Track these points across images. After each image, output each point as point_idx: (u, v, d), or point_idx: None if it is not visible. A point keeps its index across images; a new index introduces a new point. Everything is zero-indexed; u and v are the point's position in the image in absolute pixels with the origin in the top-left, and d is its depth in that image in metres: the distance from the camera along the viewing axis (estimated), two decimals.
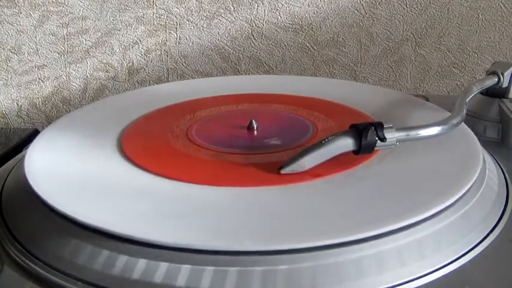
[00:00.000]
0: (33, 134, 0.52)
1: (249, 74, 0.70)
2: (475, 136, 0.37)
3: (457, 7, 0.66)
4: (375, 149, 0.33)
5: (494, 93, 0.45)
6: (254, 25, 0.68)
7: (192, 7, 0.68)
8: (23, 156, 0.36)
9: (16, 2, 0.68)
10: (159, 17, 0.69)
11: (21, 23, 0.69)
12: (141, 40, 0.69)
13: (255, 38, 0.69)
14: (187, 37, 0.69)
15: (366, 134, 0.32)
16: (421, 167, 0.34)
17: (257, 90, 0.50)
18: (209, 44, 0.69)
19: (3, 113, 0.73)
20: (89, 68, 0.71)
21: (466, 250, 0.28)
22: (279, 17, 0.68)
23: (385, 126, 0.33)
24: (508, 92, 0.44)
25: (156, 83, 0.71)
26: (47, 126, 0.43)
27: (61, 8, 0.68)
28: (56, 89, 0.72)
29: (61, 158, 0.36)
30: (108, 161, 0.35)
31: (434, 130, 0.34)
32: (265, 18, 0.68)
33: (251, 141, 0.39)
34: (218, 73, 0.71)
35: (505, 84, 0.44)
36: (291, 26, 0.68)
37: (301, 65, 0.70)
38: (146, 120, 0.43)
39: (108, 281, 0.26)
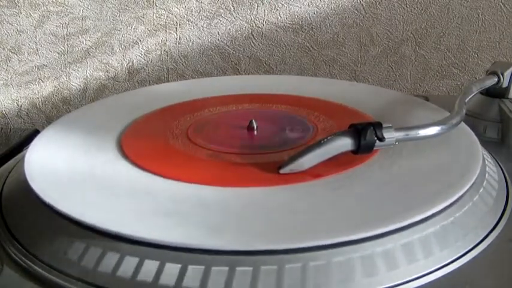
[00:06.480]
0: (33, 134, 0.52)
1: (249, 74, 0.70)
2: (475, 136, 0.37)
3: (457, 7, 0.66)
4: (374, 148, 0.33)
5: (494, 93, 0.45)
6: (254, 25, 0.68)
7: (192, 7, 0.68)
8: (23, 156, 0.36)
9: (16, 2, 0.68)
10: (159, 17, 0.69)
11: (21, 23, 0.69)
12: (141, 40, 0.69)
13: (255, 38, 0.69)
14: (187, 37, 0.69)
15: (364, 133, 0.32)
16: (420, 167, 0.34)
17: (257, 90, 0.50)
18: (209, 44, 0.69)
19: (3, 113, 0.73)
20: (89, 68, 0.71)
21: (466, 250, 0.28)
22: (279, 17, 0.68)
23: (384, 126, 0.33)
24: (508, 92, 0.44)
25: (156, 83, 0.71)
26: (47, 126, 0.43)
27: (61, 8, 0.68)
28: (56, 89, 0.72)
29: (61, 158, 0.36)
30: (108, 161, 0.35)
31: (433, 130, 0.34)
32: (265, 18, 0.68)
33: (251, 141, 0.39)
34: (218, 73, 0.70)
35: (505, 84, 0.44)
36: (291, 26, 0.68)
37: (301, 65, 0.70)
38: (146, 120, 0.43)
39: (109, 281, 0.26)
